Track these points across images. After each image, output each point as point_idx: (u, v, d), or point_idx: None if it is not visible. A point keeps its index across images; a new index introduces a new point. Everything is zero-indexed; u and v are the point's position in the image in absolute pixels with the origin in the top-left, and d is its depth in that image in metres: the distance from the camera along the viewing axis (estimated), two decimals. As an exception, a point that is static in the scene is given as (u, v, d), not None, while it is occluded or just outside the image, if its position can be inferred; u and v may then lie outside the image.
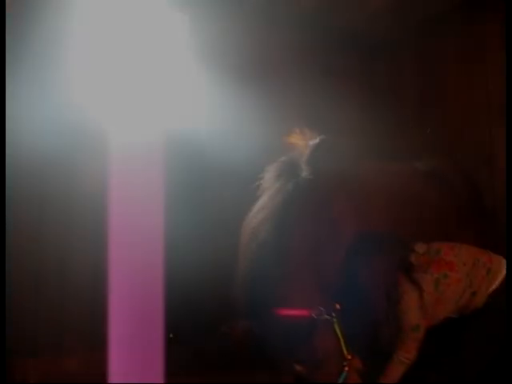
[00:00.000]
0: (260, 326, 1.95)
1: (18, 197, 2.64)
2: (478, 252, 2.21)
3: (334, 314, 1.98)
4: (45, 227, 2.74)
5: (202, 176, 3.27)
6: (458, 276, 2.09)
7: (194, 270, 3.06)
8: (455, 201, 2.70)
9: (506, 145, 2.94)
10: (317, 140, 2.28)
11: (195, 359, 3.04)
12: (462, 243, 2.25)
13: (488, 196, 3.09)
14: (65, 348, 2.73)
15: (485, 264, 2.15)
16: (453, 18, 3.57)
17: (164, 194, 0.58)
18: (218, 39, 3.39)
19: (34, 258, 2.70)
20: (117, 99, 0.59)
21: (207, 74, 3.28)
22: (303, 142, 2.31)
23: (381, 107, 3.93)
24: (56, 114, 2.77)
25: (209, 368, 3.03)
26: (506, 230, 2.77)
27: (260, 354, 2.01)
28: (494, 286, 2.11)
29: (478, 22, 3.43)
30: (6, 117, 2.32)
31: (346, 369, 1.97)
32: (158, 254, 0.57)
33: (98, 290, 2.79)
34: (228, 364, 3.10)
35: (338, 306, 2.00)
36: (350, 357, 1.98)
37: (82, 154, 2.85)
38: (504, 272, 2.14)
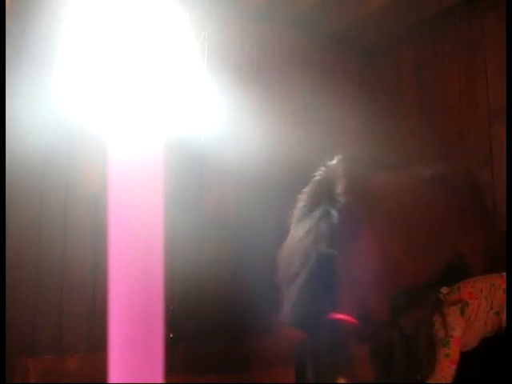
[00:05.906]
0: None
1: (17, 197, 2.64)
2: (491, 278, 2.45)
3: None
4: (44, 227, 2.75)
5: (201, 176, 3.28)
6: (478, 301, 2.36)
7: (193, 270, 3.06)
8: (462, 209, 2.72)
9: (506, 145, 2.94)
10: (337, 160, 2.34)
11: (195, 360, 3.04)
12: (476, 276, 2.50)
13: (488, 196, 3.09)
14: (65, 348, 2.73)
15: (500, 286, 2.39)
16: (452, 18, 3.57)
17: (164, 194, 0.58)
18: (218, 39, 3.39)
19: (34, 258, 2.70)
20: (116, 99, 0.59)
21: (207, 74, 3.28)
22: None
23: (380, 107, 3.94)
24: (56, 114, 2.77)
25: (209, 369, 3.03)
26: (506, 230, 2.78)
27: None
28: None
29: (479, 22, 3.43)
30: (6, 117, 2.32)
31: None
32: (158, 254, 0.57)
33: (98, 289, 2.80)
34: (229, 365, 3.10)
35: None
36: None
37: (82, 154, 2.85)
38: None
